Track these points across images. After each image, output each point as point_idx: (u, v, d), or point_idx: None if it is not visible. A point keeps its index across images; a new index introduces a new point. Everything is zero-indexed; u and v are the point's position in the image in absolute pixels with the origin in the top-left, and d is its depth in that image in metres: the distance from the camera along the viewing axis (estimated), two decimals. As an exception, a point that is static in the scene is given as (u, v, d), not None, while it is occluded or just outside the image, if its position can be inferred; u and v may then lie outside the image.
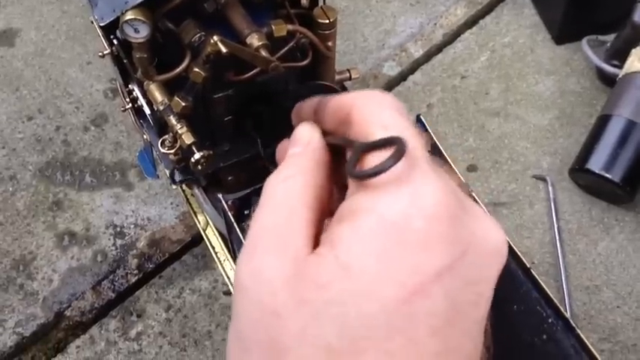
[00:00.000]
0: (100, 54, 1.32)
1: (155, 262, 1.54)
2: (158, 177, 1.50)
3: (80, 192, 1.63)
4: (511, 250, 1.11)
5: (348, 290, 0.33)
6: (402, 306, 0.32)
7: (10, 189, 1.64)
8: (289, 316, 0.33)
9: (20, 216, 1.60)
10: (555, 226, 1.52)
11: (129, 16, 1.09)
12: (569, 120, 1.69)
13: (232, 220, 1.12)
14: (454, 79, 1.80)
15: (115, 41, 1.25)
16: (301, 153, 0.42)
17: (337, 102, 0.42)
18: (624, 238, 1.51)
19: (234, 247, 1.25)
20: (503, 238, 0.37)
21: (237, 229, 1.09)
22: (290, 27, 1.23)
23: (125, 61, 1.29)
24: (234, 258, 1.30)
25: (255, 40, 1.17)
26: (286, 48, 1.24)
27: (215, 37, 1.10)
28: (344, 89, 1.41)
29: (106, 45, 1.31)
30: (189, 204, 1.50)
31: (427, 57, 1.85)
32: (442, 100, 1.76)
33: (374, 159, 0.36)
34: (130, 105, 1.41)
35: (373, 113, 0.39)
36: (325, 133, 0.44)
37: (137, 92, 1.35)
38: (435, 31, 1.88)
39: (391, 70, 1.82)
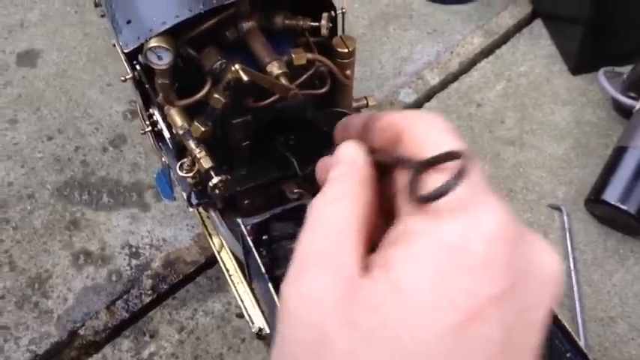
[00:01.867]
0: (122, 78, 1.35)
1: (169, 282, 1.54)
2: (175, 199, 1.51)
3: (97, 212, 1.65)
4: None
5: (401, 314, 0.32)
6: (456, 331, 0.31)
7: (29, 207, 1.65)
8: (340, 338, 0.32)
9: (37, 234, 1.61)
10: (570, 256, 1.52)
11: (153, 43, 1.11)
12: (584, 150, 1.70)
13: (251, 244, 1.13)
14: (470, 107, 1.81)
15: (137, 66, 1.27)
16: (347, 173, 0.40)
17: (388, 120, 0.40)
18: (639, 269, 1.51)
19: (250, 271, 1.26)
20: (560, 266, 0.37)
21: (256, 254, 1.10)
22: (309, 55, 1.24)
23: (147, 85, 1.31)
24: (250, 282, 1.31)
25: (275, 68, 1.19)
26: (305, 76, 1.26)
27: (236, 65, 1.12)
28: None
29: (128, 69, 1.34)
30: (205, 226, 1.52)
31: (443, 85, 1.86)
32: (458, 127, 1.77)
33: (433, 180, 0.35)
34: (150, 128, 1.43)
35: (426, 134, 0.38)
36: (370, 152, 0.42)
37: (157, 116, 1.38)
38: (452, 59, 1.90)
39: (407, 97, 1.83)
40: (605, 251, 1.54)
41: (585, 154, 1.69)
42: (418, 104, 1.84)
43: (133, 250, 1.59)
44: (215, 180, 1.25)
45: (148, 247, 1.60)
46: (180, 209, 1.65)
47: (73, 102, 1.85)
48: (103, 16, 1.45)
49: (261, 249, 1.15)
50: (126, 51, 1.16)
